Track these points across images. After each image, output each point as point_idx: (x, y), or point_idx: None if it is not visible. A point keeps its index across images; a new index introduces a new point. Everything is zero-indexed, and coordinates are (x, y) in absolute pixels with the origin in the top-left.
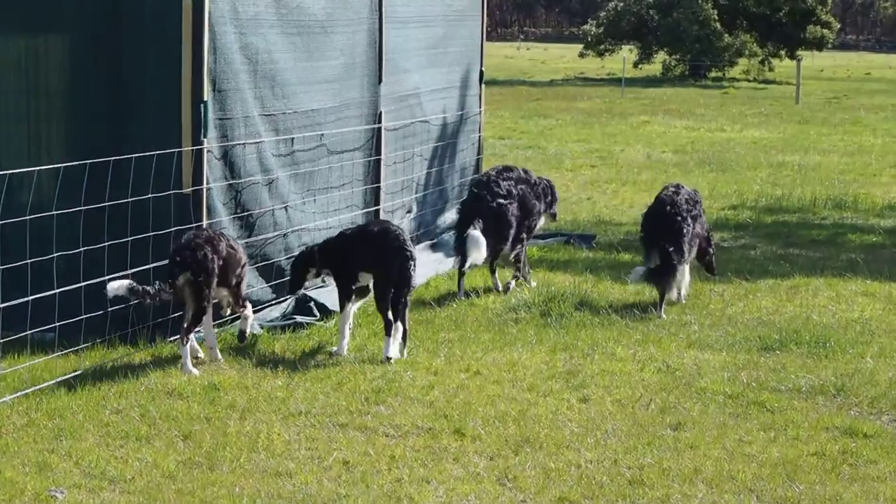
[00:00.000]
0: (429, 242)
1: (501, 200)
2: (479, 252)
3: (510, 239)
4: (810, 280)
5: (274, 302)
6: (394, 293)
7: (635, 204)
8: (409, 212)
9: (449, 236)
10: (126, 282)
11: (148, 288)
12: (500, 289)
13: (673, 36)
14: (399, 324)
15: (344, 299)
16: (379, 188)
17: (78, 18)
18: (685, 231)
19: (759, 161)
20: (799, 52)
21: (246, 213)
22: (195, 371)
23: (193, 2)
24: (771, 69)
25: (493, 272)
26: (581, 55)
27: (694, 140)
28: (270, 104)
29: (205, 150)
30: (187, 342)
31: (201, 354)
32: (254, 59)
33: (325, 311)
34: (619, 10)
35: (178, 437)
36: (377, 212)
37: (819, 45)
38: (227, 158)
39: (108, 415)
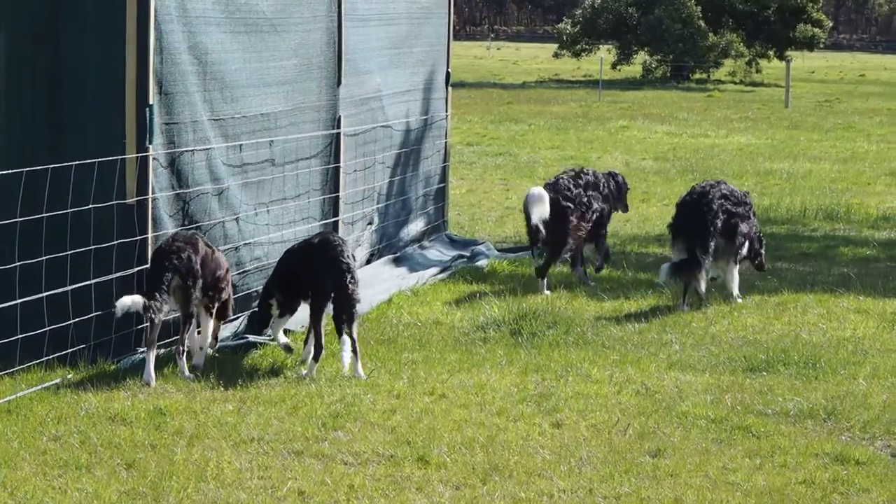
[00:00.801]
0: (391, 256)
1: (568, 204)
2: (542, 206)
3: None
4: (799, 296)
5: (225, 321)
6: (334, 308)
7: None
8: (370, 223)
9: (412, 249)
10: (139, 299)
11: (157, 304)
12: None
13: (654, 35)
14: (346, 337)
15: (283, 313)
16: (338, 198)
17: (14, 15)
18: (713, 226)
19: (746, 169)
20: (788, 53)
21: (194, 225)
22: (191, 375)
23: None
24: (758, 70)
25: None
26: (555, 55)
27: (676, 146)
28: (220, 108)
29: (150, 158)
30: (183, 352)
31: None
32: (203, 60)
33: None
34: (597, 7)
35: (120, 466)
36: (336, 223)
37: (810, 44)
38: (175, 166)
39: (46, 442)
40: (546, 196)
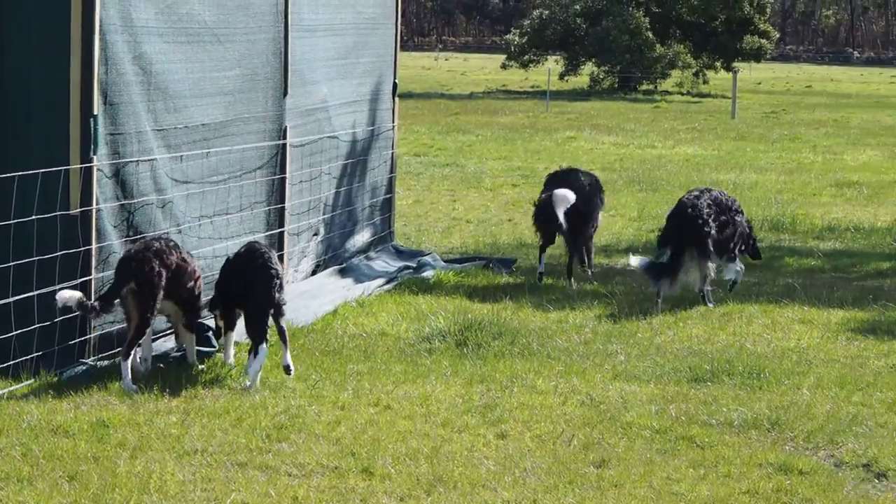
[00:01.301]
0: (337, 267)
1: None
2: (566, 201)
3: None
4: (744, 306)
5: (168, 332)
6: (259, 315)
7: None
8: (315, 234)
9: (358, 260)
10: (77, 294)
11: (96, 304)
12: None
13: (601, 46)
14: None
15: (227, 329)
16: (283, 209)
17: None
18: (706, 232)
19: (693, 179)
20: (735, 64)
21: (138, 237)
22: (134, 387)
23: (83, 7)
24: (705, 82)
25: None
26: (503, 66)
27: (623, 157)
28: (163, 118)
29: (94, 169)
30: (129, 357)
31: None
32: (146, 70)
33: None
34: (544, 18)
35: (63, 479)
36: (281, 234)
37: (757, 56)
38: (119, 177)
39: None
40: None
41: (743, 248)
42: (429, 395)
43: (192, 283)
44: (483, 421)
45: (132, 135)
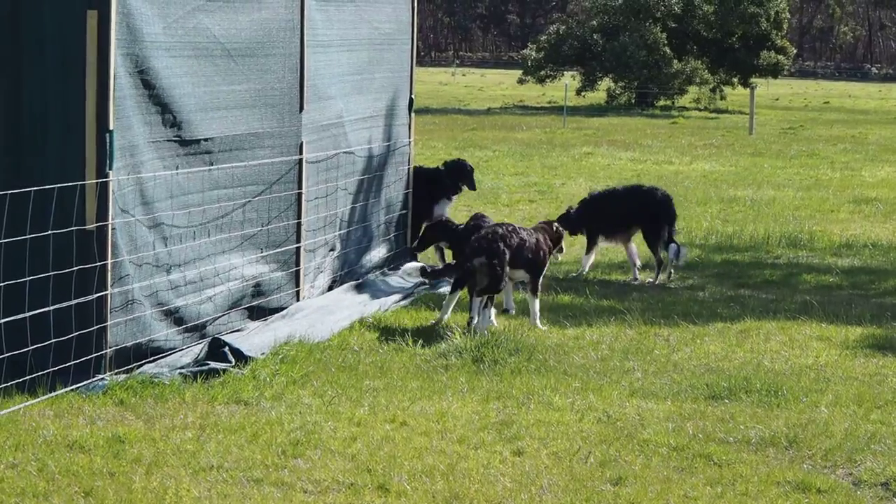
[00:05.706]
0: (353, 283)
1: None
2: None
3: None
4: (762, 323)
5: (184, 347)
6: None
7: (576, 242)
8: (332, 250)
9: (374, 276)
10: (418, 264)
11: (439, 267)
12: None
13: (619, 62)
14: None
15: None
16: (300, 224)
17: None
18: None
19: (710, 196)
20: (753, 80)
21: (154, 252)
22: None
23: (99, 24)
24: (723, 97)
25: None
26: (520, 82)
27: (640, 173)
28: (174, 133)
29: (111, 183)
30: (473, 321)
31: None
32: (154, 85)
33: (241, 357)
34: (561, 33)
35: (78, 494)
36: (297, 250)
37: (774, 72)
38: (134, 191)
39: (3, 470)
40: None
41: None
42: (445, 411)
43: (531, 255)
44: (499, 438)
45: (141, 147)
